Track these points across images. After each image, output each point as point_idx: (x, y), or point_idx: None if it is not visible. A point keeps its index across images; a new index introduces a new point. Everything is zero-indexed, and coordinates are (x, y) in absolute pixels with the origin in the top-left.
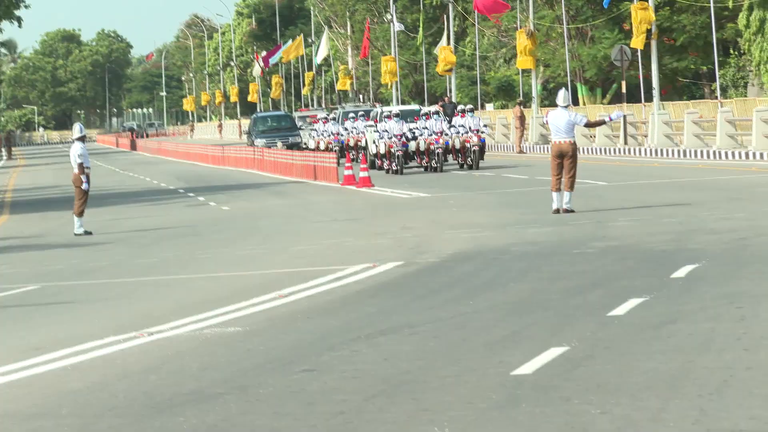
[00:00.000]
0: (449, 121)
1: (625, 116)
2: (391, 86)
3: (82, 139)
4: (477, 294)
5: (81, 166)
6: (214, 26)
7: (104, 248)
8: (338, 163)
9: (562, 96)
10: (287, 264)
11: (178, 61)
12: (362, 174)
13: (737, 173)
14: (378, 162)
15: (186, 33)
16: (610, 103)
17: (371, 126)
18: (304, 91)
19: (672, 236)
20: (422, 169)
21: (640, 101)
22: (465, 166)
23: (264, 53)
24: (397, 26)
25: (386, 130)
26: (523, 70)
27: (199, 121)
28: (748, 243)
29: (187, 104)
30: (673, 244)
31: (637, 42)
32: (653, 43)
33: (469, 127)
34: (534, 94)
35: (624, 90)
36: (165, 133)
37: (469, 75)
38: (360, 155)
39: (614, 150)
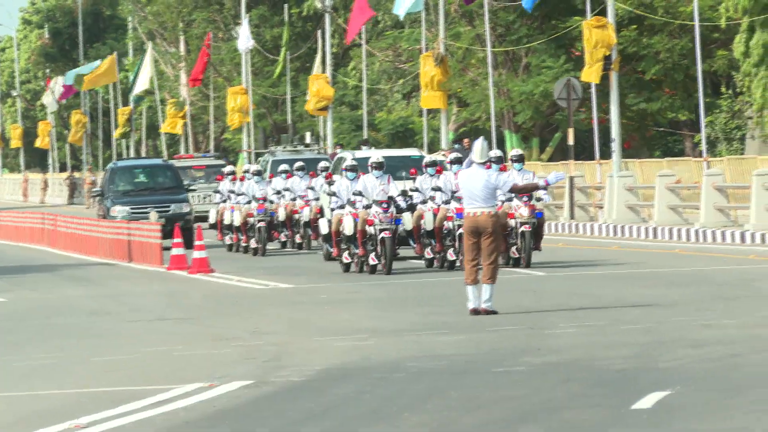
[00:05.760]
0: None
1: (572, 178)
2: (237, 129)
3: None
4: (357, 427)
5: None
6: None
7: None
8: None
9: (479, 149)
10: (89, 381)
11: None
12: (197, 254)
13: (728, 262)
14: (333, 249)
15: None
16: (551, 159)
17: (330, 185)
18: (116, 133)
19: (635, 350)
20: (424, 263)
21: (593, 158)
22: (510, 260)
23: (61, 79)
24: (248, 42)
25: (353, 194)
26: (429, 111)
27: None
28: (741, 361)
29: None
30: (635, 361)
31: (591, 74)
32: (613, 76)
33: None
34: (443, 144)
35: (571, 141)
36: None
37: (352, 116)
38: (304, 236)
39: (557, 226)
